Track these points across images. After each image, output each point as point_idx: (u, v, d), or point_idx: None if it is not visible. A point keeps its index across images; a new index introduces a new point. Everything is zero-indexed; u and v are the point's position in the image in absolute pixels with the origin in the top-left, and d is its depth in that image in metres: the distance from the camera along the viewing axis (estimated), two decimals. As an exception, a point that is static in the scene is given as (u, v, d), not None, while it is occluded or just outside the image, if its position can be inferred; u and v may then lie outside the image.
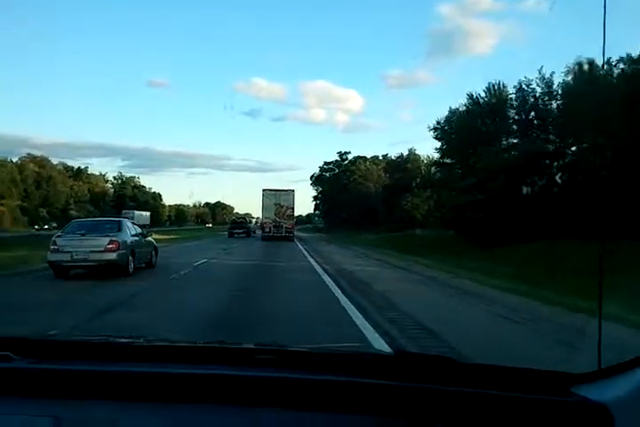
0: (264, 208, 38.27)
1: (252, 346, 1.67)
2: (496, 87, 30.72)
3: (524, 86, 30.31)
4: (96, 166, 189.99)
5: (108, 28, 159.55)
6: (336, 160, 79.20)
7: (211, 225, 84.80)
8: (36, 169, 78.22)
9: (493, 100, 30.16)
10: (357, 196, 64.02)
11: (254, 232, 49.17)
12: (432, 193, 46.76)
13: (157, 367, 1.36)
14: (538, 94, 29.63)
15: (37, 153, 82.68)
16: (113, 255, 12.41)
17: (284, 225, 37.52)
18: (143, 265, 14.55)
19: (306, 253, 23.06)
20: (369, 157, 75.48)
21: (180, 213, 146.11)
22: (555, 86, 29.50)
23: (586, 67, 25.60)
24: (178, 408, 1.23)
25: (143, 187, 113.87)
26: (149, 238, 15.66)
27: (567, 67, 28.13)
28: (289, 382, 1.27)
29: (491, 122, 30.17)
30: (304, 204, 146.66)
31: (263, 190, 38.95)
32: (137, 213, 53.45)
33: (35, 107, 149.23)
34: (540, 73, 29.63)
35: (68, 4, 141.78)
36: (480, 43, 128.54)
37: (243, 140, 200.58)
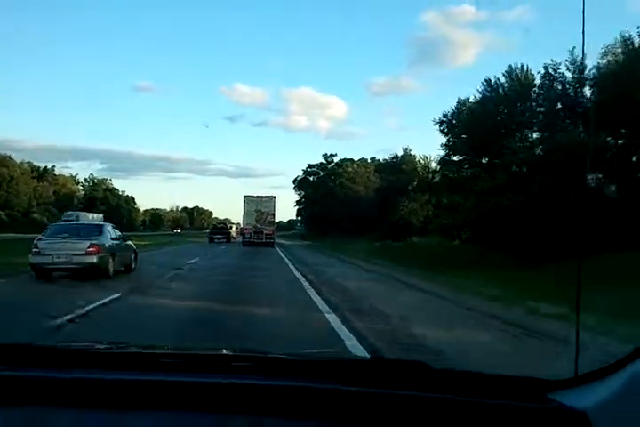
0: (245, 214, 38.68)
1: (230, 353, 1.66)
2: (519, 72, 26.24)
3: (550, 71, 25.91)
4: (73, 170, 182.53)
5: (93, 31, 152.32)
6: (321, 163, 74.49)
7: (180, 230, 75.27)
8: (-4, 168, 72.13)
9: (517, 87, 25.62)
10: (345, 200, 59.34)
11: (234, 238, 48.94)
12: (431, 196, 42.26)
13: (135, 375, 1.32)
14: (569, 80, 25.20)
15: (18, 156, 77.04)
16: (94, 258, 12.55)
17: (265, 231, 37.72)
18: (123, 269, 14.35)
19: (299, 275, 15.23)
20: (356, 159, 71.21)
21: (155, 217, 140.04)
22: (587, 71, 25.22)
23: (637, 43, 21.34)
24: (156, 416, 1.21)
25: (116, 190, 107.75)
26: (129, 242, 15.57)
27: (605, 47, 23.90)
28: (264, 389, 1.25)
29: (512, 111, 25.63)
30: (285, 210, 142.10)
31: (244, 197, 39.36)
32: (85, 214, 46.97)
33: (16, 110, 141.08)
34: (571, 55, 25.16)
35: (50, 5, 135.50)
36: (464, 52, 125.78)
37: (224, 146, 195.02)
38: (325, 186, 67.12)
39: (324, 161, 73.37)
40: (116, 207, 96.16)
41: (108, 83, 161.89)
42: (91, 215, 47.81)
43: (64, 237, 12.91)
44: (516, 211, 17.59)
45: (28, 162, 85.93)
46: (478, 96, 28.55)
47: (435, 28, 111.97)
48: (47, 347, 1.63)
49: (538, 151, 21.78)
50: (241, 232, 42.57)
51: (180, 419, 1.20)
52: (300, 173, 76.16)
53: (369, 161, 69.92)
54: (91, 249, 12.55)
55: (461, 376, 1.36)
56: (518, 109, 25.35)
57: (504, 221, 17.76)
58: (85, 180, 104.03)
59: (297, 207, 79.00)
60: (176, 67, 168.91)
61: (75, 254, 12.49)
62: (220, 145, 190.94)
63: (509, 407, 1.17)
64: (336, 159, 72.09)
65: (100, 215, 50.44)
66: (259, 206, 38.45)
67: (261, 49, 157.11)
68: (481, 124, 25.75)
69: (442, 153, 31.30)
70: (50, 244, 12.76)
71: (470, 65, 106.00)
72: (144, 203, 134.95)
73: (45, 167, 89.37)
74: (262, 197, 39.92)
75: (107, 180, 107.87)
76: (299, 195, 76.94)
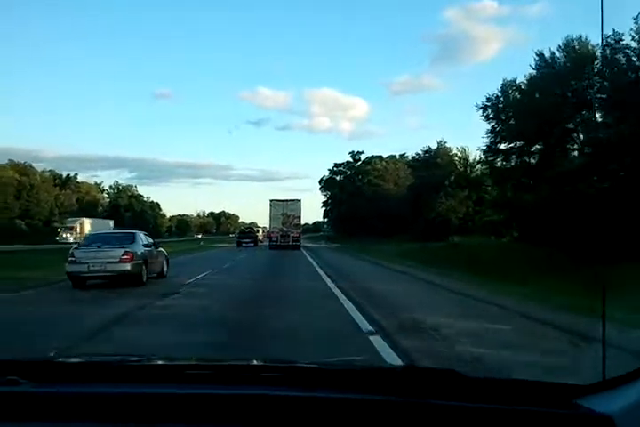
0: (271, 218, 39.04)
1: (260, 363, 1.64)
2: (577, 44, 22.77)
3: (610, 42, 22.39)
4: (102, 178, 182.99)
5: (112, 38, 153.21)
6: (347, 161, 71.48)
7: (202, 236, 71.36)
8: (17, 177, 70.69)
9: (577, 61, 22.14)
10: (373, 198, 56.12)
11: (261, 241, 50.00)
12: (471, 192, 38.81)
13: (163, 388, 1.30)
14: (637, 51, 21.64)
15: (47, 167, 76.28)
16: (127, 266, 12.82)
17: (291, 234, 38.05)
18: (155, 275, 14.59)
19: (349, 304, 9.68)
20: (385, 156, 67.91)
21: (181, 223, 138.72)
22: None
23: None
24: None
25: (141, 196, 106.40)
26: (161, 249, 15.87)
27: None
28: (297, 400, 1.23)
29: (573, 88, 22.20)
30: (311, 212, 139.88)
31: (270, 201, 39.76)
32: (94, 221, 44.49)
33: (42, 120, 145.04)
34: (636, 22, 21.59)
35: (70, 13, 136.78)
36: (485, 48, 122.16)
37: (248, 150, 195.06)
38: (352, 185, 64.10)
39: (350, 159, 70.44)
40: (141, 213, 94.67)
41: (128, 90, 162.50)
42: (98, 221, 45.52)
43: (99, 246, 13.22)
44: (601, 200, 14.13)
45: (50, 170, 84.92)
46: (529, 74, 25.17)
47: (456, 25, 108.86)
48: (68, 362, 1.62)
49: (612, 134, 18.29)
50: (268, 236, 43.29)
51: None
52: (326, 174, 73.41)
53: (397, 157, 66.70)
54: (125, 257, 12.82)
55: (491, 383, 1.36)
56: (579, 86, 21.91)
57: (586, 211, 14.26)
58: (110, 187, 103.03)
59: (323, 209, 76.27)
60: (195, 72, 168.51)
61: (109, 262, 12.73)
62: (243, 150, 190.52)
63: (537, 414, 1.16)
64: (363, 157, 69.18)
65: (109, 222, 48.19)
66: (284, 210, 38.75)
67: (282, 52, 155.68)
68: (534, 106, 22.40)
69: (486, 141, 27.84)
70: (85, 252, 13.02)
71: (492, 60, 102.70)
72: (171, 209, 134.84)
73: (68, 175, 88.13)
74: (288, 200, 40.18)
75: (132, 186, 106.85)
76: (325, 195, 74.20)
